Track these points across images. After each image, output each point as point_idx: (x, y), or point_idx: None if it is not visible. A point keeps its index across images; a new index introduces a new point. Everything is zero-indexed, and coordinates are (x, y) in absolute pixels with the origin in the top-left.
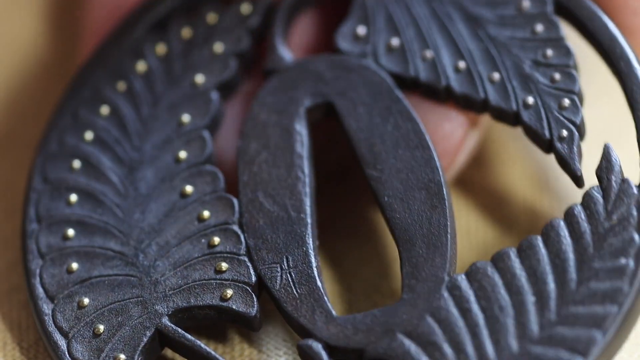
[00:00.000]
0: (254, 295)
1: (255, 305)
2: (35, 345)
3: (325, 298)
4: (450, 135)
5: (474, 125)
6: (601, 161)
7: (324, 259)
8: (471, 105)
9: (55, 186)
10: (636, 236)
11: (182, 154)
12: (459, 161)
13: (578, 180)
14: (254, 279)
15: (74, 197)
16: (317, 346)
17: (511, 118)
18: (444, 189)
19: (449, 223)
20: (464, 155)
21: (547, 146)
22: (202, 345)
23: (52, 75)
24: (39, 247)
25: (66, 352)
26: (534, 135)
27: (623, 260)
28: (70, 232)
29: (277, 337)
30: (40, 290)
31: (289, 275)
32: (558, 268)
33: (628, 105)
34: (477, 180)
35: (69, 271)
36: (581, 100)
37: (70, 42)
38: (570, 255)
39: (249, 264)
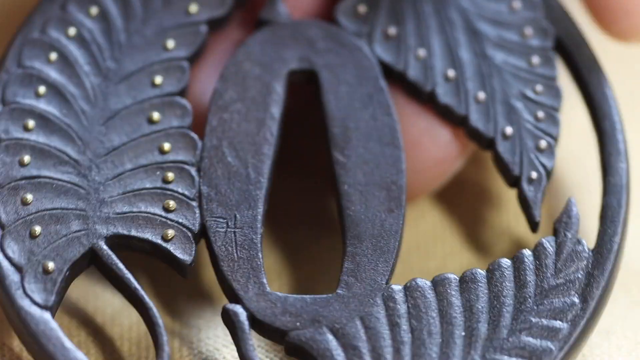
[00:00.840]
0: (193, 244)
1: (193, 254)
2: None
3: (262, 269)
4: (437, 153)
5: (463, 152)
6: (562, 214)
7: (288, 233)
8: (449, 116)
9: (28, 74)
10: (577, 301)
11: (158, 79)
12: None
13: (534, 226)
14: (197, 227)
15: (42, 89)
16: (243, 315)
17: (485, 142)
18: (404, 195)
19: (400, 231)
20: (441, 177)
21: (512, 182)
22: (132, 279)
23: None
24: None
25: (0, 246)
26: (503, 167)
27: (559, 323)
28: (31, 123)
29: (203, 289)
30: None
31: (232, 235)
32: (494, 310)
33: (600, 166)
34: (468, 180)
35: (21, 163)
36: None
37: None
38: (510, 301)
39: (196, 210)
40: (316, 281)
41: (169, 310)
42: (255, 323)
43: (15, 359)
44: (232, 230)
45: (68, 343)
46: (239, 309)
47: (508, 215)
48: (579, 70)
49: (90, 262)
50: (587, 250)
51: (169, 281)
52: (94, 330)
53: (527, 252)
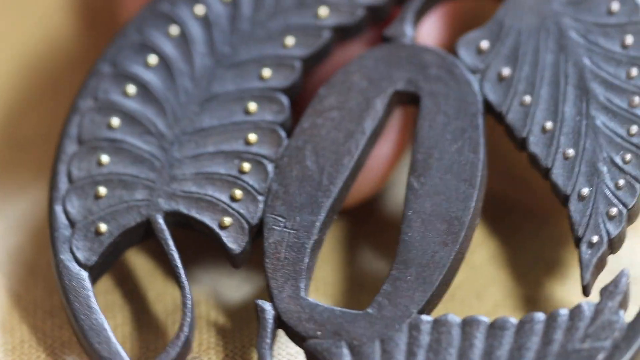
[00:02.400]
0: (247, 236)
1: (243, 245)
2: None
3: (304, 274)
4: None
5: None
6: (610, 282)
7: (353, 246)
8: (535, 165)
9: (144, 42)
10: None
11: (267, 73)
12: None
13: (584, 289)
14: (256, 221)
15: (154, 60)
16: (269, 313)
17: (561, 198)
18: (464, 232)
19: (448, 266)
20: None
21: (576, 243)
22: (176, 255)
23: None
24: (97, 89)
25: (63, 199)
26: (571, 226)
27: None
28: (132, 90)
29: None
30: (74, 131)
31: (286, 235)
32: None
33: None
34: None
35: (110, 125)
36: (631, 216)
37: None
38: (530, 355)
39: (261, 205)
40: (361, 299)
41: (213, 297)
42: (282, 324)
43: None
44: (287, 230)
45: (94, 304)
46: (267, 306)
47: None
48: None
49: (148, 235)
50: (622, 322)
51: (225, 270)
52: (133, 303)
53: (563, 311)
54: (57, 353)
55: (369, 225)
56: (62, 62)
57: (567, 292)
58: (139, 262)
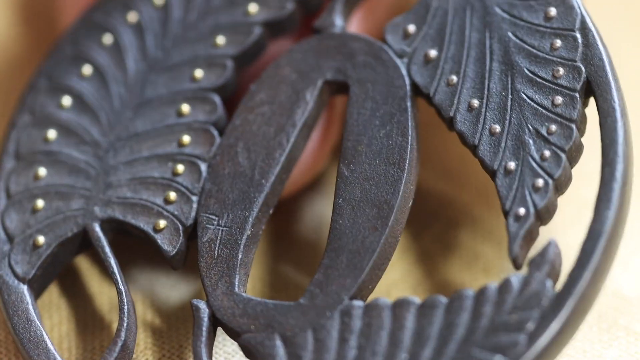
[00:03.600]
0: (181, 236)
1: (177, 246)
2: None
3: (238, 269)
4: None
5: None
6: (537, 255)
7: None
8: (462, 143)
9: (78, 53)
10: (523, 340)
11: (199, 74)
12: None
13: (514, 262)
14: (190, 221)
15: (88, 70)
16: (204, 312)
17: (487, 172)
18: (393, 216)
19: (378, 250)
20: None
21: (505, 215)
22: (112, 262)
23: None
24: (33, 106)
25: (1, 215)
26: (499, 199)
27: (499, 358)
28: (67, 101)
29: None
30: (12, 147)
31: (219, 233)
32: (442, 339)
33: (593, 211)
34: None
35: (46, 139)
36: (558, 186)
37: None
38: (460, 331)
39: (194, 205)
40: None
41: (150, 298)
42: (217, 321)
43: None
44: (221, 228)
45: (33, 316)
46: (202, 304)
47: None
48: (599, 115)
49: (88, 245)
50: (550, 292)
51: (162, 270)
52: (70, 302)
53: (492, 285)
54: None
55: (304, 219)
56: (5, 62)
57: None
58: (75, 261)
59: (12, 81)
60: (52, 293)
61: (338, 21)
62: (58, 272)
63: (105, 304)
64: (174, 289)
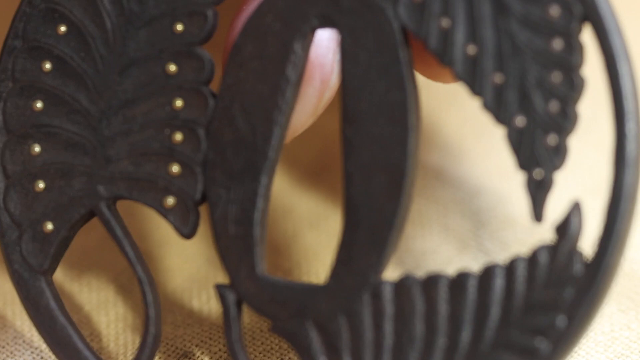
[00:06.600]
0: (191, 212)
1: (190, 224)
2: None
3: (257, 249)
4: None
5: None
6: (563, 222)
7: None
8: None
9: (51, 8)
10: (561, 320)
11: (179, 27)
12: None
13: (536, 217)
14: (198, 195)
15: (63, 28)
16: (229, 299)
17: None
18: (405, 181)
19: (396, 221)
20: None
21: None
22: (128, 248)
23: None
24: (14, 70)
25: (2, 197)
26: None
27: (540, 341)
28: (48, 65)
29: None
30: (0, 119)
31: (229, 208)
32: (478, 321)
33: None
34: (453, 172)
35: (34, 108)
36: (569, 134)
37: None
38: (495, 311)
39: (200, 177)
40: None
41: (173, 278)
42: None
43: None
44: (230, 202)
45: (56, 313)
46: (227, 292)
47: None
48: (604, 57)
49: (88, 219)
50: (581, 264)
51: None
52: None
53: (521, 260)
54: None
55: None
56: None
57: None
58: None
59: None
60: (109, 291)
61: None
62: (63, 254)
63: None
64: (193, 266)
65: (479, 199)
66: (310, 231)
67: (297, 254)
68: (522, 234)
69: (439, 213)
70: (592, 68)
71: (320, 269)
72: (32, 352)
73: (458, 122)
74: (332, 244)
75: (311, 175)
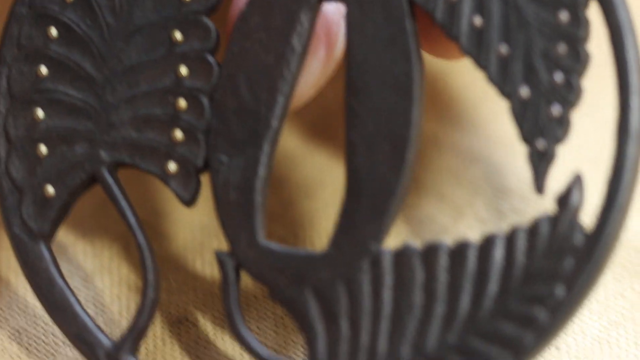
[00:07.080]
0: (194, 179)
1: (192, 190)
2: None
3: (257, 215)
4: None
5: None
6: (565, 193)
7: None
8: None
9: None
10: (560, 290)
11: None
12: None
13: (538, 189)
14: (201, 162)
15: None
16: (228, 265)
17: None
18: (408, 151)
19: (398, 191)
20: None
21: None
22: (129, 213)
23: None
24: (19, 36)
25: (4, 161)
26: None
27: (539, 311)
28: (54, 32)
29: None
30: (3, 84)
31: (231, 175)
32: (477, 290)
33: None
34: (449, 141)
35: (38, 75)
36: (573, 106)
37: None
38: (495, 280)
39: (203, 144)
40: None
41: (168, 245)
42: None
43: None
44: (232, 169)
45: (56, 277)
46: (226, 258)
47: None
48: (609, 30)
49: (90, 185)
50: (581, 234)
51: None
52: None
53: (521, 230)
54: None
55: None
56: None
57: None
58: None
59: None
60: (104, 258)
61: None
62: (63, 218)
63: None
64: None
65: (475, 167)
66: (306, 199)
67: (293, 222)
68: (518, 204)
69: (435, 181)
70: (595, 46)
71: (315, 237)
72: (25, 317)
73: (455, 91)
74: (327, 212)
75: (308, 144)
